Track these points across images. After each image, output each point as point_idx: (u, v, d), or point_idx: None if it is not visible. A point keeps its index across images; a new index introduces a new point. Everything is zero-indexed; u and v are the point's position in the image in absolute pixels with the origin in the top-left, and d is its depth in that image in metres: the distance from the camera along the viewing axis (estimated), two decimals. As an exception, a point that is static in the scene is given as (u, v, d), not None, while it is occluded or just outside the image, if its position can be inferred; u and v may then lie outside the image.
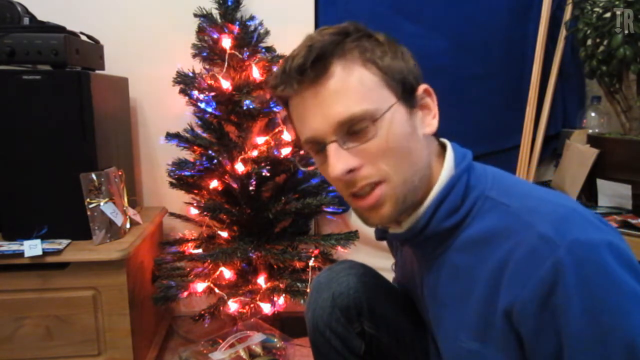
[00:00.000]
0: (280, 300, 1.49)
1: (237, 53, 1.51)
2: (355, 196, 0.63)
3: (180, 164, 1.53)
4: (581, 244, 0.51)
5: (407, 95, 0.62)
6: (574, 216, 0.55)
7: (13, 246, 1.23)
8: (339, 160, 0.59)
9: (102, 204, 1.30)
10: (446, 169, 0.65)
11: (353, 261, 0.93)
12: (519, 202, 0.59)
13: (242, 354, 1.36)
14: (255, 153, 1.48)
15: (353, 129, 0.59)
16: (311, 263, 1.50)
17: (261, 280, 1.50)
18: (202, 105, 1.52)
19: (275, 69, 1.55)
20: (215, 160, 1.50)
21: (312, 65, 0.58)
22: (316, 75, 0.59)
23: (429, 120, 0.65)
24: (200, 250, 1.55)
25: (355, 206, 0.65)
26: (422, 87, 0.64)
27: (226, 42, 1.50)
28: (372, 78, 0.60)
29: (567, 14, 1.60)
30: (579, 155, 1.39)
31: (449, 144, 0.68)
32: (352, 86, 0.59)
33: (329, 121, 0.59)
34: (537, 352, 0.54)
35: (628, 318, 0.50)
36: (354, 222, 1.79)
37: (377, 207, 0.62)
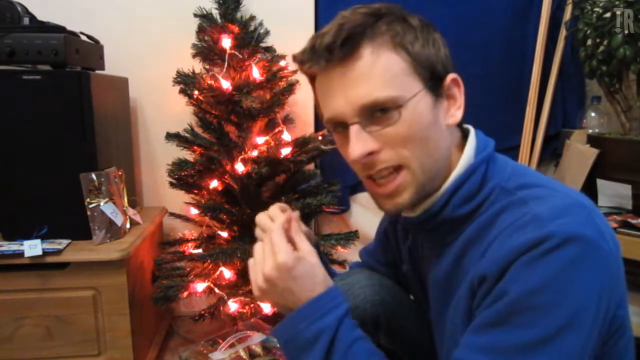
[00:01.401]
0: (280, 300, 1.48)
1: (237, 53, 1.51)
2: (373, 180, 0.63)
3: (180, 164, 1.53)
4: (569, 233, 0.51)
5: (434, 83, 0.61)
6: (577, 208, 0.54)
7: (13, 246, 1.23)
8: (358, 142, 0.59)
9: (102, 204, 1.29)
10: (465, 157, 0.64)
11: (368, 271, 0.91)
12: (532, 192, 0.58)
13: (242, 354, 1.36)
14: (255, 153, 1.48)
15: (376, 113, 0.59)
16: (311, 263, 1.49)
17: (261, 280, 1.49)
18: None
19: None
20: (215, 160, 1.50)
21: (341, 45, 0.57)
22: (344, 55, 0.58)
23: (453, 111, 0.64)
24: (200, 250, 1.55)
25: (372, 191, 0.65)
26: (450, 77, 0.63)
27: (226, 42, 1.50)
28: (400, 64, 0.59)
29: (567, 14, 1.60)
30: (579, 155, 1.39)
31: (472, 132, 0.67)
32: (379, 70, 0.58)
33: (352, 103, 0.59)
34: (478, 314, 0.56)
35: (530, 328, 0.50)
36: (354, 222, 1.79)
37: (395, 195, 0.62)
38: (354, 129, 0.60)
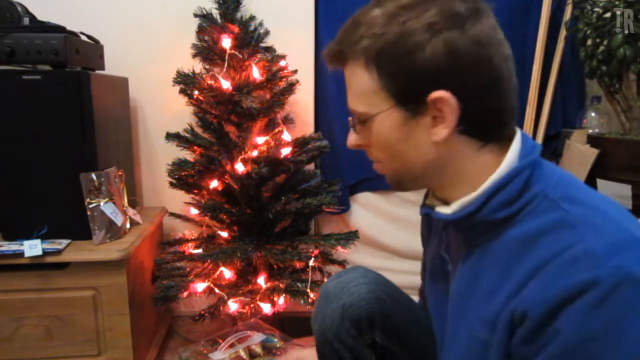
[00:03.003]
0: (280, 300, 1.49)
1: (237, 53, 1.51)
2: None
3: (180, 164, 1.53)
4: (626, 274, 0.48)
5: (408, 101, 0.60)
6: (633, 245, 0.51)
7: (13, 246, 1.23)
8: (351, 136, 0.68)
9: (102, 204, 1.29)
10: (508, 160, 0.61)
11: (364, 268, 0.91)
12: (581, 213, 0.55)
13: (242, 354, 1.36)
14: (255, 153, 1.48)
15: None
16: (311, 263, 1.49)
17: (261, 280, 1.50)
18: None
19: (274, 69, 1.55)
20: (216, 160, 1.50)
21: (332, 60, 0.65)
22: (338, 65, 0.65)
23: (438, 130, 0.60)
24: (200, 250, 1.55)
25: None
26: (434, 96, 0.58)
27: (226, 42, 1.50)
28: (369, 82, 0.61)
29: (567, 14, 1.60)
30: (579, 155, 1.39)
31: (518, 134, 0.63)
32: (352, 85, 0.63)
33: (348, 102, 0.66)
34: (520, 350, 0.54)
35: None
36: (354, 222, 1.79)
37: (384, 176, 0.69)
38: (351, 123, 0.67)
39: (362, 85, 0.61)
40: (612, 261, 0.49)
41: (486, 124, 0.61)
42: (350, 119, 0.67)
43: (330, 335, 0.84)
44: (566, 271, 0.51)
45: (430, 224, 0.86)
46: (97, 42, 1.47)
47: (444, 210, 0.66)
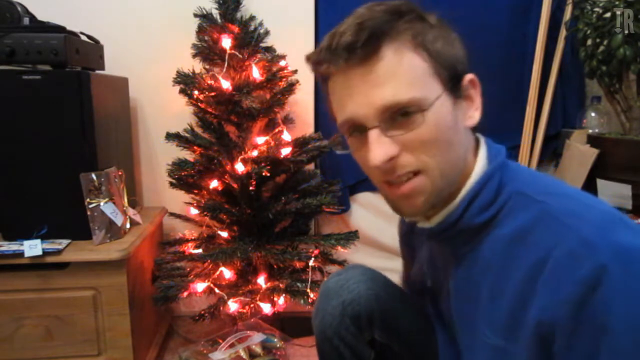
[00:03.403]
0: (280, 300, 1.49)
1: (237, 53, 1.51)
2: (390, 184, 0.61)
3: (180, 164, 1.53)
4: (627, 249, 0.49)
5: (453, 84, 0.59)
6: (617, 222, 0.53)
7: (13, 246, 1.23)
8: (380, 147, 0.57)
9: (102, 204, 1.30)
10: (479, 164, 0.63)
11: (363, 267, 0.91)
12: (559, 203, 0.56)
13: (242, 354, 1.36)
14: (255, 153, 1.48)
15: (397, 116, 0.57)
16: (311, 263, 1.49)
17: (261, 280, 1.50)
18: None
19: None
20: (216, 160, 1.50)
21: (363, 45, 0.55)
22: (366, 55, 0.56)
23: (471, 112, 0.63)
24: (200, 250, 1.55)
25: (388, 194, 0.63)
26: (468, 77, 0.62)
27: (226, 42, 1.50)
28: (422, 65, 0.57)
29: (567, 14, 1.60)
30: (579, 155, 1.39)
31: (482, 139, 0.66)
32: (402, 71, 0.56)
33: (374, 105, 0.56)
34: (570, 354, 0.52)
35: None
36: (354, 222, 1.79)
37: (412, 197, 0.60)
38: (374, 133, 0.57)
39: (417, 70, 0.57)
40: (607, 241, 0.50)
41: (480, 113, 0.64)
42: (376, 125, 0.57)
43: (330, 332, 0.84)
44: (569, 267, 0.51)
45: (412, 243, 0.87)
46: (97, 42, 1.47)
47: (426, 224, 0.67)
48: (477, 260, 0.64)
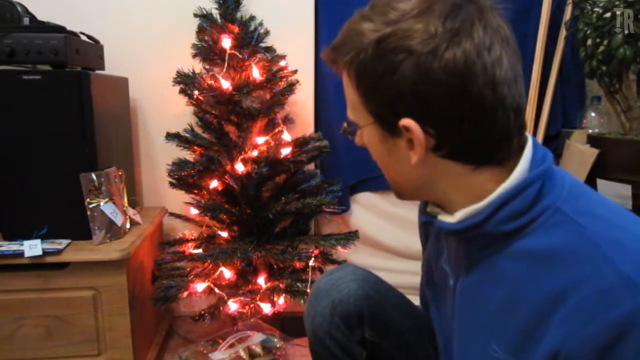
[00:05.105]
0: (280, 300, 1.49)
1: (237, 53, 1.51)
2: None
3: (180, 164, 1.53)
4: None
5: (383, 121, 0.59)
6: None
7: (13, 246, 1.23)
8: (356, 137, 0.67)
9: (102, 204, 1.30)
10: (520, 168, 0.57)
11: (354, 266, 0.91)
12: (598, 228, 0.52)
13: (242, 354, 1.36)
14: (255, 153, 1.48)
15: None
16: (311, 263, 1.50)
17: (261, 280, 1.50)
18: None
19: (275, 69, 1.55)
20: (215, 160, 1.50)
21: (329, 63, 0.63)
22: (335, 68, 0.64)
23: (412, 154, 0.58)
24: (200, 250, 1.55)
25: None
26: (402, 123, 0.56)
27: (226, 42, 1.50)
28: (354, 95, 0.61)
29: (567, 14, 1.60)
30: (579, 155, 1.39)
31: (529, 143, 0.60)
32: (347, 94, 0.63)
33: None
34: None
35: None
36: (354, 222, 1.79)
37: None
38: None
39: (350, 96, 0.62)
40: None
41: (471, 151, 0.57)
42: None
43: (321, 332, 0.84)
44: (603, 305, 0.48)
45: (427, 232, 0.83)
46: (97, 42, 1.47)
47: (448, 219, 0.63)
48: (491, 268, 0.61)
